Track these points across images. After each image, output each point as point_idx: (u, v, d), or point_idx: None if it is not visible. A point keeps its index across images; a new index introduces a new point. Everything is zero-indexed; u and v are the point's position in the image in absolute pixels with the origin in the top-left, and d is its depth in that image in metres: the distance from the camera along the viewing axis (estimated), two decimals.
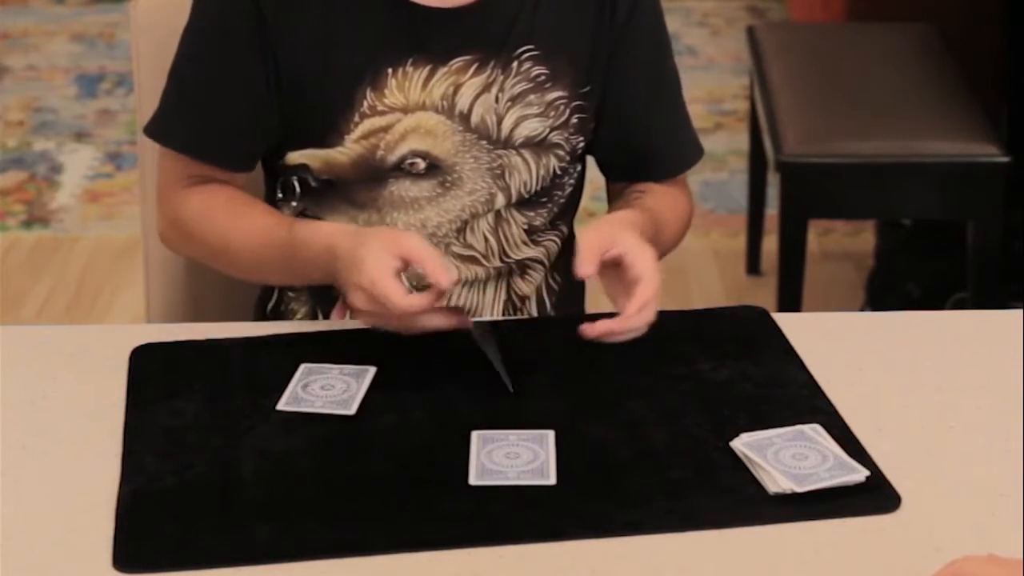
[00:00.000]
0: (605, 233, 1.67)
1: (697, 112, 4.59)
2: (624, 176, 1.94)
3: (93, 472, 1.49)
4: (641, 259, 1.65)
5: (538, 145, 1.84)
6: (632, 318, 1.64)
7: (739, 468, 1.48)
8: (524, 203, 1.88)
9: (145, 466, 1.49)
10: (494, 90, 1.81)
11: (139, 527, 1.41)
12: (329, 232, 1.72)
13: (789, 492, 1.44)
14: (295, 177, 1.86)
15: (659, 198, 1.89)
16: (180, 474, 1.48)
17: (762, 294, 3.52)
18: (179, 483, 1.47)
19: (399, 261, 1.62)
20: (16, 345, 1.73)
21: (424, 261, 1.62)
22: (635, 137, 1.90)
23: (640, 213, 1.79)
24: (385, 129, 1.81)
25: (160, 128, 1.86)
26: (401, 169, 1.83)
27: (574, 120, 1.85)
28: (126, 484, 1.47)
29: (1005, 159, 3.01)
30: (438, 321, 1.64)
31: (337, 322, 1.85)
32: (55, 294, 3.67)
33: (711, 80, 4.88)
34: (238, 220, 1.80)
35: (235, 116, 1.83)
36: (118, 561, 1.36)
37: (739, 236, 3.81)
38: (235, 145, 1.85)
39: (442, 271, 1.61)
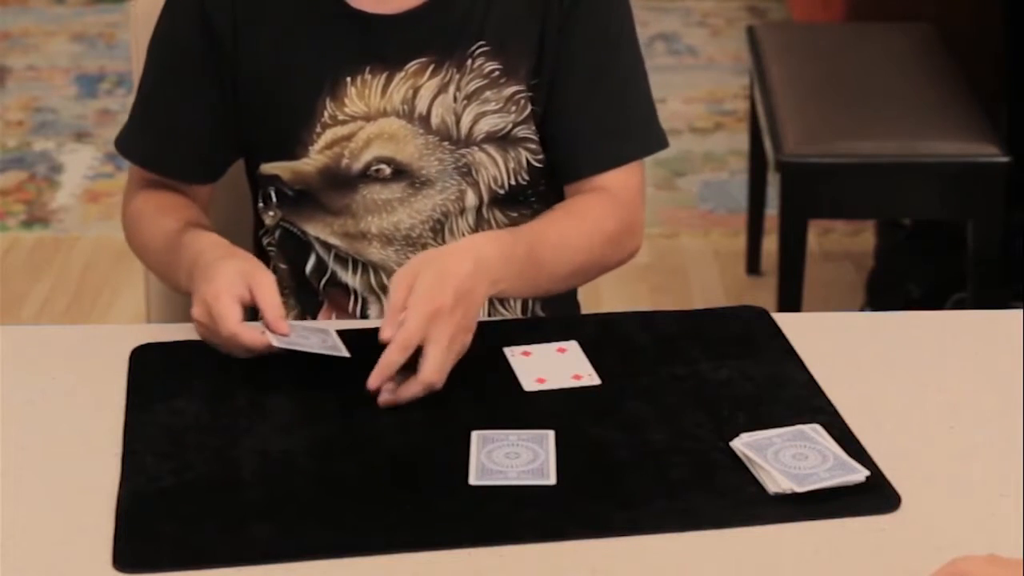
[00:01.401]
0: (405, 282, 1.61)
1: (697, 112, 4.60)
2: (559, 173, 1.87)
3: (93, 472, 1.49)
4: (411, 313, 1.58)
5: (503, 140, 1.84)
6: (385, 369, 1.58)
7: (739, 468, 1.48)
8: (505, 202, 1.87)
9: (145, 466, 1.49)
10: (451, 89, 1.81)
11: (139, 527, 1.41)
12: (205, 242, 1.73)
13: (789, 492, 1.44)
14: (271, 188, 1.88)
15: (552, 218, 1.80)
16: (180, 474, 1.48)
17: (762, 294, 3.52)
18: (179, 483, 1.47)
19: (246, 291, 1.64)
20: (16, 345, 1.73)
21: (264, 306, 1.63)
22: (564, 129, 1.84)
23: (506, 236, 1.72)
24: (348, 138, 1.82)
25: (124, 141, 1.91)
26: (368, 176, 1.83)
27: (532, 111, 1.84)
28: (126, 484, 1.47)
29: (1005, 159, 3.01)
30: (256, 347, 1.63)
31: (330, 322, 1.85)
32: (55, 294, 3.67)
33: (711, 80, 4.87)
34: (154, 227, 1.83)
35: (191, 132, 1.86)
36: (118, 561, 1.36)
37: (739, 236, 3.81)
38: (191, 160, 1.88)
39: (278, 322, 1.62)
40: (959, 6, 3.84)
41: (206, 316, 1.64)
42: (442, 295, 1.59)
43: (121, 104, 4.70)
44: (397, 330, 1.57)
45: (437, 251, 1.68)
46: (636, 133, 1.87)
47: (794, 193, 3.06)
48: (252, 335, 1.62)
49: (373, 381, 1.58)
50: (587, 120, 1.84)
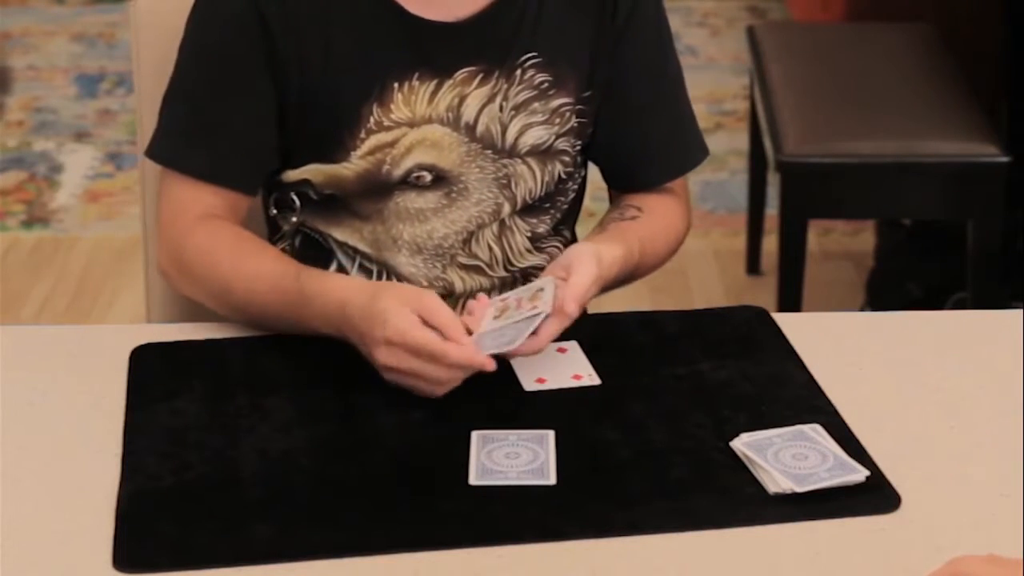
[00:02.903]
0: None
1: (697, 112, 4.55)
2: (623, 182, 1.92)
3: (93, 472, 1.49)
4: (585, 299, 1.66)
5: (544, 153, 1.84)
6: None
7: (739, 468, 1.48)
8: (527, 210, 1.87)
9: (145, 466, 1.49)
10: (499, 99, 1.80)
11: (139, 527, 1.41)
12: (341, 287, 1.66)
13: (789, 492, 1.44)
14: (293, 192, 1.84)
15: (651, 224, 1.85)
16: (180, 474, 1.48)
17: (762, 294, 3.52)
18: (179, 483, 1.47)
19: (418, 317, 1.58)
20: (16, 345, 1.73)
21: (445, 326, 1.57)
22: (631, 140, 1.88)
23: (622, 248, 1.76)
24: (391, 144, 1.79)
25: (172, 154, 1.80)
26: (407, 182, 1.82)
27: (575, 124, 1.85)
28: (126, 484, 1.47)
29: (1005, 159, 3.01)
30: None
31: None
32: (55, 294, 3.67)
33: (711, 80, 4.87)
34: (243, 264, 1.74)
35: (252, 140, 1.79)
36: (118, 561, 1.36)
37: (739, 236, 3.81)
38: (253, 169, 1.81)
39: (462, 335, 1.58)
40: (959, 6, 3.84)
41: (402, 357, 1.57)
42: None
43: (121, 104, 4.70)
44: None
45: (595, 247, 1.72)
46: (694, 137, 1.94)
47: (794, 193, 3.06)
48: (471, 354, 1.57)
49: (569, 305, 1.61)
50: (653, 132, 1.89)
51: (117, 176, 4.25)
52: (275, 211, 1.87)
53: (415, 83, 1.78)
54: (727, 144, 4.38)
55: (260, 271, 1.73)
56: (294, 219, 1.86)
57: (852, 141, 3.04)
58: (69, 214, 4.05)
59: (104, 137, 4.50)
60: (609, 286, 1.75)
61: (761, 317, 1.78)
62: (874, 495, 1.45)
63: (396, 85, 1.78)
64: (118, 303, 3.63)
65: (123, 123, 4.57)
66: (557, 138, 1.84)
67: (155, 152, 1.82)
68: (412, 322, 1.57)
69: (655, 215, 1.86)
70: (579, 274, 1.65)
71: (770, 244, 3.56)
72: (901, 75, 3.30)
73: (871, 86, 3.25)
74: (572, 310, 1.61)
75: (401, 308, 1.58)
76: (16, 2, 5.56)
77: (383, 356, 1.59)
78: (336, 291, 1.66)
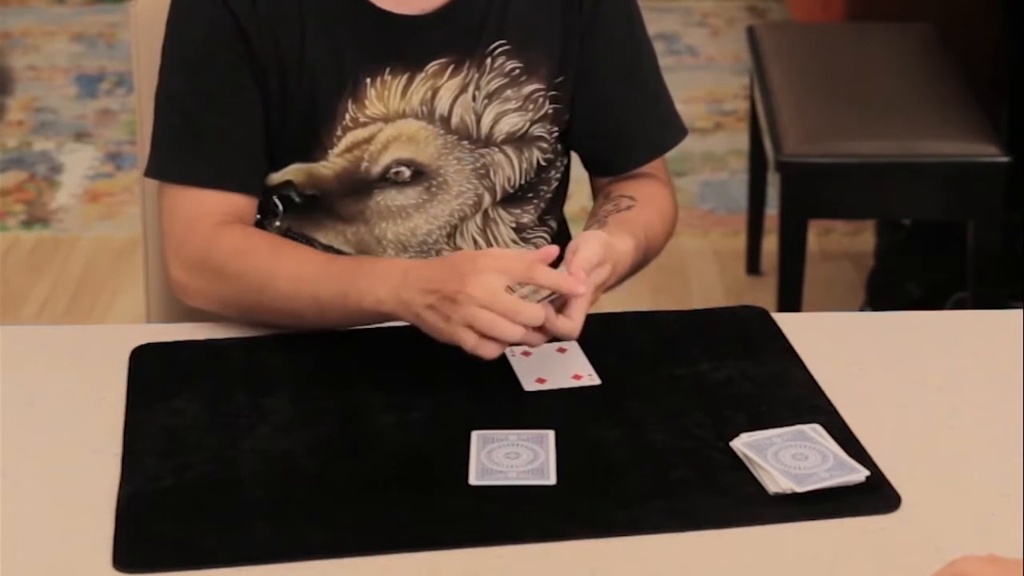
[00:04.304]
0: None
1: (697, 112, 4.60)
2: (604, 167, 1.92)
3: (93, 472, 1.49)
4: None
5: (520, 140, 1.84)
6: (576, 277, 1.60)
7: (739, 468, 1.48)
8: (510, 201, 1.87)
9: (145, 466, 1.49)
10: (471, 89, 1.81)
11: (139, 527, 1.41)
12: (395, 260, 1.72)
13: (789, 492, 1.44)
14: (275, 197, 1.84)
15: (648, 212, 1.84)
16: (180, 474, 1.48)
17: (762, 294, 3.52)
18: (179, 483, 1.47)
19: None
20: (16, 345, 1.73)
21: (548, 282, 1.59)
22: (609, 124, 1.88)
23: (632, 239, 1.75)
24: (368, 140, 1.80)
25: (174, 167, 1.80)
26: (386, 179, 1.82)
27: (550, 110, 1.85)
28: (126, 484, 1.47)
29: (1005, 159, 3.01)
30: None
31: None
32: (55, 294, 3.67)
33: (711, 80, 4.87)
34: (286, 253, 1.73)
35: (247, 142, 1.80)
36: (118, 561, 1.37)
37: (739, 236, 3.81)
38: (253, 171, 1.81)
39: (575, 280, 1.59)
40: (959, 6, 3.84)
41: (494, 288, 1.57)
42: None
43: (121, 104, 4.69)
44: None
45: (604, 234, 1.69)
46: (669, 120, 1.94)
47: (794, 193, 3.06)
48: (536, 310, 1.57)
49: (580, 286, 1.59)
50: (630, 114, 1.89)
51: (117, 176, 4.25)
52: (258, 216, 1.87)
53: (387, 78, 1.79)
54: (727, 144, 4.38)
55: (306, 256, 1.73)
56: (277, 223, 1.86)
57: (852, 141, 3.04)
58: (69, 214, 4.05)
59: (104, 137, 4.50)
60: (622, 278, 1.75)
61: (761, 317, 1.78)
62: (874, 495, 1.45)
63: (368, 81, 1.79)
64: (118, 303, 3.63)
65: (123, 123, 4.57)
66: (532, 124, 1.84)
67: (156, 169, 1.81)
68: (497, 277, 1.58)
69: (648, 202, 1.86)
70: (584, 249, 1.62)
71: (770, 244, 3.56)
72: (901, 75, 3.30)
73: (871, 86, 3.25)
74: (580, 277, 1.58)
75: (489, 270, 1.59)
76: (16, 2, 5.56)
77: (472, 287, 1.57)
78: (398, 261, 1.71)
